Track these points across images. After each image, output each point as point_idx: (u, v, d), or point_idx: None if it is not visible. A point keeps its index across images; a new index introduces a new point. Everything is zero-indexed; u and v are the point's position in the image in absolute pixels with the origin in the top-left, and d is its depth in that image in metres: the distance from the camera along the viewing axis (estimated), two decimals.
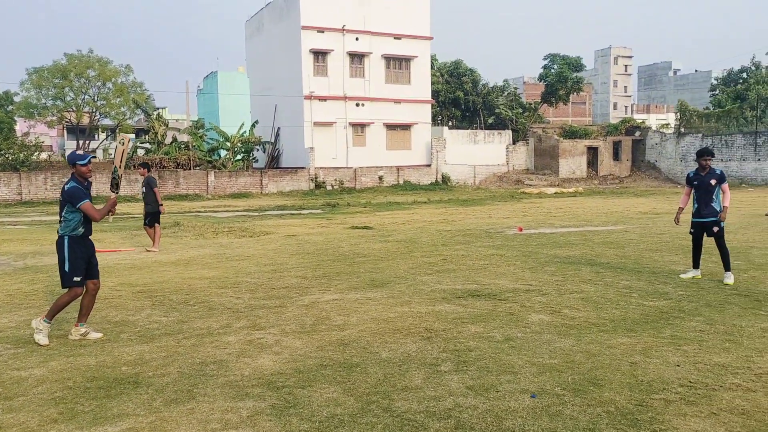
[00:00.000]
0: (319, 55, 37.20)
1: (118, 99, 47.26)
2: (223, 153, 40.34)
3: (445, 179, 39.85)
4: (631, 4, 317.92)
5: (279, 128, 40.40)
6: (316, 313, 6.88)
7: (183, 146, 38.22)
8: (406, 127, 39.86)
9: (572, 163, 43.31)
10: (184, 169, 34.55)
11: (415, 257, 10.99)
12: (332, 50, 37.21)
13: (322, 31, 36.91)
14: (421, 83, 40.23)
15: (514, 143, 44.21)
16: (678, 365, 4.97)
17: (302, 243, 13.39)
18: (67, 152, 50.83)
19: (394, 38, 38.88)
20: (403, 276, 9.11)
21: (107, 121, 52.90)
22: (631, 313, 6.72)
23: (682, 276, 8.73)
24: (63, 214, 5.85)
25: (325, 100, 37.34)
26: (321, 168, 36.66)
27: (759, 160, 37.76)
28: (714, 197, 8.36)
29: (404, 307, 7.07)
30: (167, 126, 41.16)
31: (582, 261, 10.31)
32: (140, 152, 39.16)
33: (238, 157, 39.28)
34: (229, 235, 14.97)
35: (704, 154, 8.39)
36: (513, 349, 5.45)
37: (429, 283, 8.56)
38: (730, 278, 8.29)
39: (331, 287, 8.35)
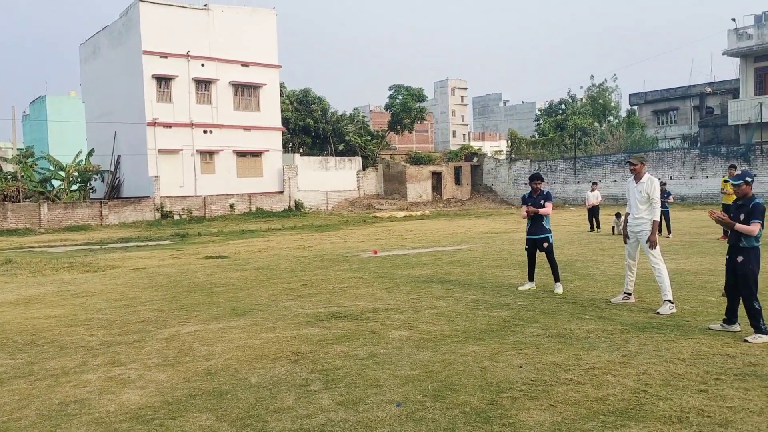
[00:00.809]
0: (163, 80, 35.96)
1: None
2: (57, 183, 37.35)
3: (299, 205, 40.04)
4: (464, 39, 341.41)
5: (119, 156, 38.27)
6: (178, 345, 6.77)
7: (10, 177, 34.89)
8: (256, 154, 39.58)
9: (419, 187, 45.48)
10: (12, 202, 31.53)
11: (275, 284, 11.07)
12: (177, 76, 36.13)
13: (166, 57, 35.76)
14: (270, 110, 40.26)
15: (364, 169, 45.53)
16: (521, 366, 5.59)
17: (153, 275, 12.89)
18: None
19: (242, 65, 38.65)
20: (265, 303, 9.18)
21: None
22: (478, 323, 7.37)
23: (519, 288, 9.67)
24: None
25: (170, 126, 36.07)
26: (167, 197, 35.22)
27: (578, 182, 42.12)
28: (544, 217, 9.40)
29: (269, 333, 7.17)
30: None
31: (434, 279, 11.01)
32: None
33: (74, 187, 36.59)
34: (71, 271, 13.99)
35: (535, 178, 9.44)
36: (377, 364, 5.79)
37: (291, 308, 8.71)
38: (559, 288, 9.34)
39: (191, 318, 8.22)
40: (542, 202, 9.33)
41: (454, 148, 64.92)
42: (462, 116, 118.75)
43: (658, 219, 7.94)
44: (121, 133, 37.63)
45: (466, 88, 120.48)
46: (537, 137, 55.32)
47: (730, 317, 6.63)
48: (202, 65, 37.14)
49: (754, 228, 6.28)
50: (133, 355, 6.40)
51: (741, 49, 38.30)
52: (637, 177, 8.01)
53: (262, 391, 5.11)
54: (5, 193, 32.06)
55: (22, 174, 35.05)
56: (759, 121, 35.19)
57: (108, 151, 38.69)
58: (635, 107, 55.50)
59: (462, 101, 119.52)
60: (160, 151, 35.59)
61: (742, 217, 6.43)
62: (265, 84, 39.66)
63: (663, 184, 19.49)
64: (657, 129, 50.68)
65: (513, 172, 46.11)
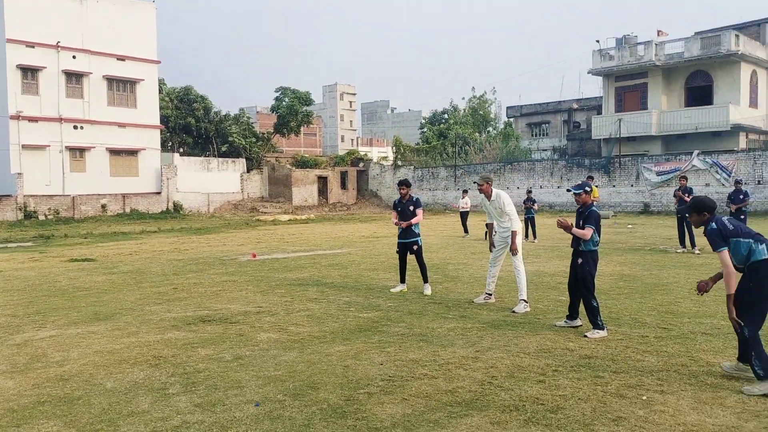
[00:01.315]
0: (29, 71, 33.46)
1: None
2: None
3: (177, 207, 38.63)
4: (354, 45, 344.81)
5: None
6: (30, 351, 6.42)
7: None
8: (132, 152, 37.77)
9: (304, 191, 45.37)
10: None
11: (144, 288, 10.70)
12: (44, 67, 33.75)
13: (32, 46, 33.31)
14: (148, 107, 38.57)
15: (248, 171, 44.74)
16: (381, 364, 5.84)
17: (10, 279, 12.03)
18: None
19: (118, 59, 36.77)
20: (130, 307, 8.87)
21: None
22: (348, 324, 7.58)
23: (392, 290, 10.02)
24: None
25: (36, 120, 33.60)
26: (31, 196, 32.76)
27: (458, 189, 43.84)
28: (412, 220, 9.79)
29: (131, 338, 6.97)
30: None
31: (310, 282, 11.12)
32: None
33: None
34: None
35: (402, 184, 9.85)
36: (241, 366, 5.82)
37: (158, 312, 8.49)
38: (428, 290, 9.77)
39: (48, 323, 7.79)
40: (411, 208, 9.72)
41: (341, 152, 65.35)
42: (351, 121, 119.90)
43: (516, 229, 8.49)
44: None
45: (355, 94, 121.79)
46: (421, 145, 56.96)
47: (572, 313, 7.29)
48: (74, 57, 34.95)
49: (587, 232, 6.95)
50: None
51: (604, 69, 41.64)
52: (487, 195, 8.55)
53: (117, 395, 4.99)
54: None
55: None
56: (618, 136, 38.40)
57: None
58: (512, 119, 58.67)
59: (351, 106, 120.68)
60: (24, 146, 33.05)
61: (581, 222, 7.09)
62: (143, 79, 37.97)
63: (529, 191, 20.84)
64: (531, 140, 53.83)
65: (397, 177, 47.14)
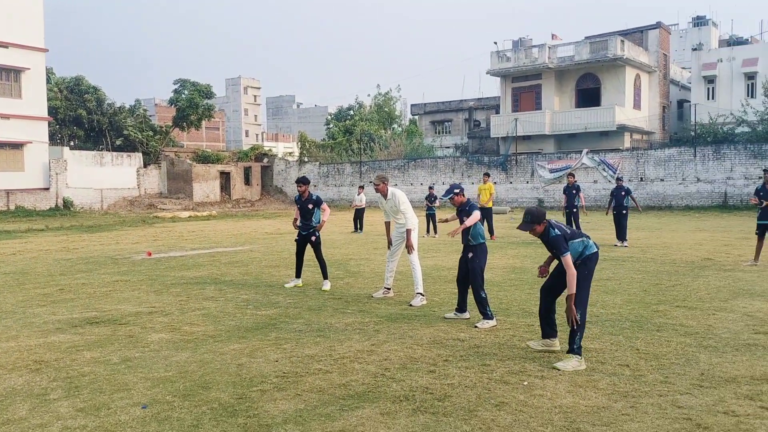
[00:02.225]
0: None
1: None
2: None
3: (68, 204, 36.49)
4: (258, 38, 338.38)
5: None
6: None
7: None
8: (17, 146, 35.26)
9: (206, 187, 44.12)
10: None
11: (27, 289, 10.08)
12: None
13: None
14: (35, 98, 36.12)
15: (145, 166, 42.95)
16: (277, 360, 5.84)
17: None
18: None
19: (0, 46, 34.19)
20: (11, 310, 8.34)
21: None
22: (245, 322, 7.50)
23: (286, 285, 10.02)
24: None
25: None
26: None
27: (363, 186, 44.18)
28: (312, 216, 9.84)
29: (10, 342, 6.57)
30: None
31: (207, 280, 10.88)
32: None
33: None
34: None
35: (299, 182, 9.85)
36: (129, 368, 5.63)
37: (41, 315, 8.03)
38: (327, 285, 9.83)
39: None
40: (311, 206, 9.76)
41: (246, 147, 63.99)
42: (255, 116, 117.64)
43: (411, 227, 8.65)
44: None
45: (259, 88, 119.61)
46: (327, 141, 56.85)
47: (461, 306, 7.59)
48: None
49: (473, 216, 7.36)
50: None
51: (501, 69, 43.25)
52: (384, 195, 8.76)
53: None
54: None
55: None
56: (514, 134, 40.06)
57: None
58: (416, 117, 59.74)
59: (255, 101, 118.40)
60: None
61: (465, 218, 7.43)
62: (29, 68, 35.49)
63: (431, 188, 21.36)
64: (434, 138, 55.07)
65: (303, 173, 46.86)
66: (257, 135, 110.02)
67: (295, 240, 10.09)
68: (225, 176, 45.99)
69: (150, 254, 15.13)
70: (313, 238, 9.80)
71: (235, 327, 7.26)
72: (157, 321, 7.61)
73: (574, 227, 16.28)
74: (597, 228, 20.80)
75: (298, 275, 10.09)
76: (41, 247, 17.45)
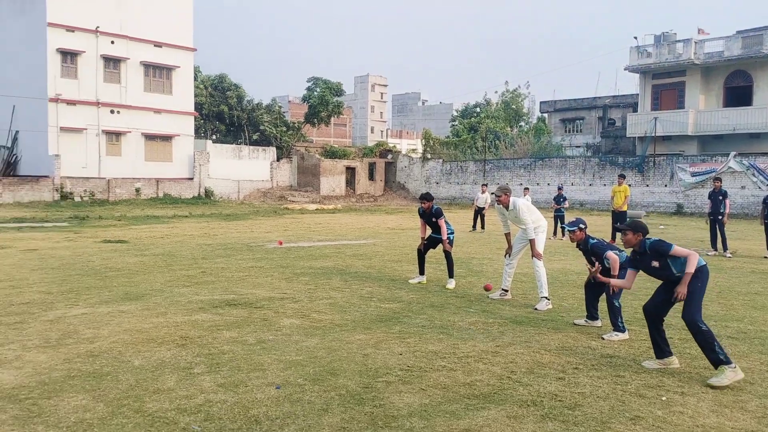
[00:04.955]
0: (68, 55, 34.16)
1: None
2: None
3: (209, 193, 39.18)
4: (387, 36, 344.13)
5: (17, 132, 36.01)
6: (62, 327, 6.64)
7: None
8: (167, 138, 38.38)
9: (332, 181, 45.59)
10: None
11: (174, 270, 10.94)
12: (84, 52, 34.44)
13: (73, 31, 34.01)
14: (183, 94, 39.12)
15: (278, 160, 45.13)
16: (401, 354, 5.91)
17: (45, 257, 12.39)
18: None
19: (155, 46, 37.33)
20: (160, 289, 9.09)
21: None
22: (369, 314, 7.66)
23: (410, 281, 10.12)
24: None
25: (74, 104, 34.34)
26: (68, 177, 33.54)
27: (486, 184, 43.61)
28: (439, 228, 9.91)
29: (160, 318, 7.15)
30: None
31: (333, 271, 11.23)
32: None
33: None
34: None
35: (423, 198, 9.98)
36: (264, 350, 5.94)
37: (186, 294, 8.68)
38: (451, 284, 9.80)
39: (80, 302, 8.03)
40: (434, 219, 9.83)
41: (371, 144, 65.46)
42: (381, 113, 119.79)
43: (532, 237, 8.52)
44: (20, 107, 35.40)
45: (386, 85, 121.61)
46: (451, 138, 56.72)
47: (591, 313, 7.25)
48: (112, 42, 35.58)
49: (618, 278, 6.51)
50: (12, 336, 6.23)
51: (641, 66, 40.88)
52: (505, 206, 8.64)
53: (144, 373, 5.15)
54: None
55: None
56: (653, 135, 37.72)
57: (5, 125, 36.32)
58: (545, 114, 58.04)
59: (382, 98, 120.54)
60: (62, 128, 33.81)
61: (593, 260, 6.99)
62: (179, 66, 38.49)
63: (560, 188, 20.63)
64: (564, 136, 53.20)
65: (425, 170, 47.08)
66: (382, 132, 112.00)
67: (425, 241, 10.16)
68: (350, 171, 47.26)
69: (281, 243, 15.87)
70: (446, 242, 9.85)
71: (360, 318, 7.43)
72: (288, 307, 7.96)
73: (719, 234, 15.09)
74: (744, 237, 19.13)
75: (421, 272, 10.16)
76: (185, 233, 18.86)
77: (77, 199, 33.29)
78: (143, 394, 4.64)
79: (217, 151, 40.97)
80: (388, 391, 4.88)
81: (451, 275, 9.94)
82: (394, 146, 57.55)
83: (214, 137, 46.94)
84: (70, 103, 34.19)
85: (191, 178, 39.06)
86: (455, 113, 72.48)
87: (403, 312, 7.82)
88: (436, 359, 5.77)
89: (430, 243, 10.09)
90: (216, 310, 7.66)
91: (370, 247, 15.68)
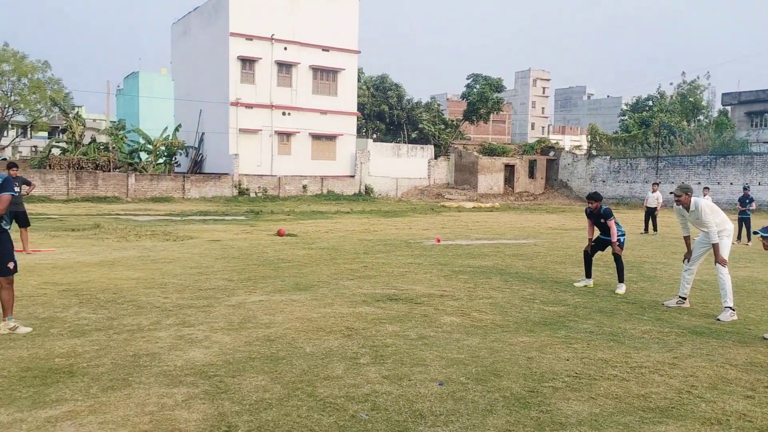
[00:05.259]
0: (247, 62, 37.17)
1: (34, 95, 45.10)
2: (144, 156, 39.41)
3: (368, 190, 40.59)
4: (549, 29, 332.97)
5: (203, 133, 39.92)
6: (243, 312, 7.22)
7: (102, 147, 37.11)
8: (331, 137, 40.35)
9: (490, 179, 45.09)
10: (103, 171, 33.58)
11: (338, 264, 11.45)
12: (260, 58, 37.26)
13: (251, 39, 36.93)
14: (347, 95, 40.89)
15: (436, 158, 45.57)
16: (568, 359, 5.67)
17: (227, 248, 13.57)
18: None
19: (323, 50, 39.39)
20: (326, 281, 9.56)
21: (20, 118, 50.40)
22: (532, 316, 7.45)
23: (575, 284, 9.67)
24: None
25: (251, 107, 37.30)
26: (245, 175, 36.53)
27: (658, 183, 40.63)
28: (609, 230, 9.38)
29: (327, 309, 7.52)
30: (85, 126, 39.76)
31: (493, 271, 11.09)
32: (56, 152, 37.64)
33: (160, 160, 38.53)
34: (153, 239, 14.92)
35: (589, 198, 9.47)
36: (425, 345, 6.01)
37: (350, 287, 9.05)
38: (621, 289, 9.24)
39: (257, 289, 8.69)
40: (602, 220, 9.31)
41: (531, 140, 63.78)
42: (542, 108, 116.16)
43: (716, 240, 7.72)
44: (206, 111, 39.22)
45: (548, 80, 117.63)
46: (620, 133, 53.57)
47: None
48: (285, 48, 38.11)
49: None
50: (201, 318, 6.89)
51: None
52: (686, 206, 7.90)
53: (315, 359, 5.44)
54: (97, 162, 34.13)
55: (114, 145, 37.19)
56: None
57: (193, 127, 40.42)
58: (728, 107, 52.80)
59: (543, 93, 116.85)
60: (240, 130, 36.90)
61: None
62: (344, 69, 40.28)
63: (745, 188, 18.65)
64: (749, 131, 48.05)
65: (591, 168, 44.94)
66: (543, 128, 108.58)
67: (591, 242, 9.70)
68: (509, 169, 46.43)
69: (439, 241, 15.99)
70: (617, 245, 9.32)
71: (523, 319, 7.25)
72: (447, 304, 7.99)
73: None
74: None
75: (588, 275, 9.69)
76: (347, 228, 19.69)
77: (252, 194, 36.12)
78: (315, 380, 4.90)
79: (378, 150, 42.31)
80: (555, 397, 4.70)
81: (621, 279, 9.37)
82: (557, 143, 55.61)
83: (374, 136, 48.53)
84: (248, 106, 37.16)
85: (353, 176, 40.71)
86: (624, 107, 68.40)
87: (568, 316, 7.52)
88: (606, 367, 5.46)
89: (598, 245, 9.60)
90: (378, 304, 7.89)
91: (530, 247, 15.28)
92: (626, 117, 60.82)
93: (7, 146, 52.40)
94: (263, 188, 36.75)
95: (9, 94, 45.07)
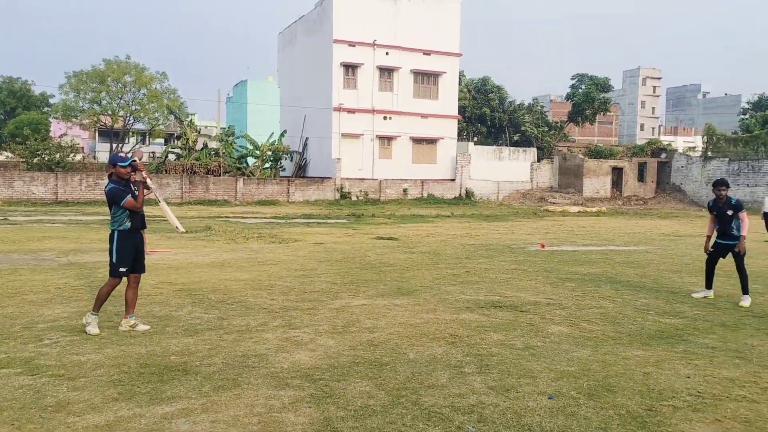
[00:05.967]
0: (350, 68, 37.90)
1: (152, 104, 48.43)
2: (251, 161, 41.13)
3: (469, 194, 40.17)
4: (661, 26, 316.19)
5: (307, 138, 41.11)
6: (346, 316, 7.30)
7: (213, 153, 39.13)
8: (431, 141, 40.32)
9: (596, 182, 43.34)
10: (214, 175, 35.36)
11: (440, 268, 11.36)
12: (362, 64, 37.88)
13: (354, 45, 37.63)
14: (448, 99, 40.71)
15: (538, 161, 44.40)
16: (688, 377, 5.28)
17: (330, 251, 13.84)
18: (105, 155, 52.11)
19: (424, 54, 39.46)
20: (428, 285, 9.50)
21: (140, 126, 54.20)
22: (647, 328, 7.02)
23: (694, 295, 9.03)
24: (111, 212, 6.39)
25: (353, 112, 37.99)
26: (347, 179, 37.24)
27: None
28: (733, 225, 8.65)
29: (430, 314, 7.46)
30: (198, 132, 42.09)
31: (602, 279, 10.59)
32: (171, 157, 40.12)
33: (267, 165, 40.06)
34: (260, 241, 15.49)
35: (717, 185, 8.71)
36: (533, 356, 5.80)
37: (453, 293, 8.93)
38: (746, 301, 8.53)
39: (360, 293, 8.77)
40: (730, 212, 8.58)
41: (640, 142, 60.71)
42: (653, 108, 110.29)
43: None
44: (309, 116, 40.39)
45: (659, 78, 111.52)
46: (739, 134, 49.90)
47: None
48: (386, 53, 38.51)
49: None
50: (306, 320, 7.03)
51: None
52: None
53: (419, 366, 5.38)
54: (209, 167, 35.99)
55: (224, 151, 39.08)
56: None
57: (297, 133, 41.74)
58: None
59: (654, 92, 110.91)
60: (343, 135, 37.67)
61: None
62: (445, 72, 40.14)
63: None
64: None
65: (707, 171, 42.15)
66: (653, 128, 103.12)
67: (710, 250, 9.01)
68: (617, 172, 44.42)
69: (543, 246, 15.51)
70: (737, 249, 8.59)
71: (637, 332, 6.85)
72: (555, 313, 7.70)
73: None
74: None
75: (708, 286, 9.02)
76: (448, 232, 19.55)
77: (354, 198, 36.75)
78: (419, 388, 4.85)
79: (478, 153, 41.81)
80: (676, 417, 4.38)
81: (745, 291, 8.65)
82: (669, 144, 52.62)
83: (475, 139, 47.97)
84: (350, 111, 37.87)
85: (453, 179, 40.45)
86: (745, 105, 63.69)
87: (687, 329, 7.02)
88: (733, 387, 5.03)
89: (718, 251, 8.88)
90: (482, 311, 7.73)
91: (642, 254, 14.50)
92: (747, 116, 56.62)
93: (128, 152, 56.38)
94: (364, 192, 37.30)
95: (130, 103, 48.61)
